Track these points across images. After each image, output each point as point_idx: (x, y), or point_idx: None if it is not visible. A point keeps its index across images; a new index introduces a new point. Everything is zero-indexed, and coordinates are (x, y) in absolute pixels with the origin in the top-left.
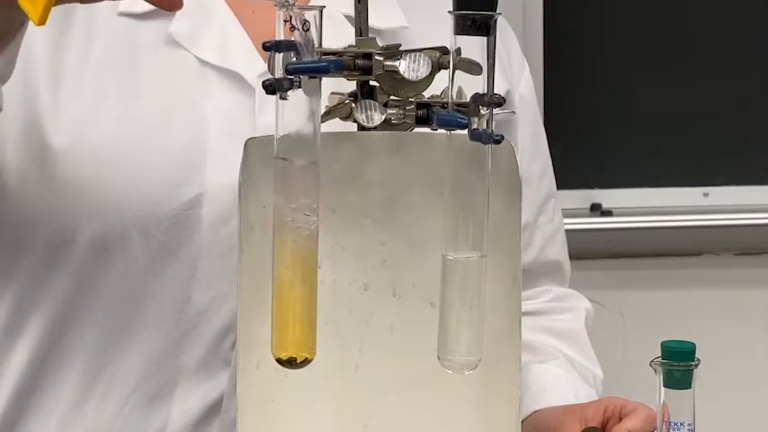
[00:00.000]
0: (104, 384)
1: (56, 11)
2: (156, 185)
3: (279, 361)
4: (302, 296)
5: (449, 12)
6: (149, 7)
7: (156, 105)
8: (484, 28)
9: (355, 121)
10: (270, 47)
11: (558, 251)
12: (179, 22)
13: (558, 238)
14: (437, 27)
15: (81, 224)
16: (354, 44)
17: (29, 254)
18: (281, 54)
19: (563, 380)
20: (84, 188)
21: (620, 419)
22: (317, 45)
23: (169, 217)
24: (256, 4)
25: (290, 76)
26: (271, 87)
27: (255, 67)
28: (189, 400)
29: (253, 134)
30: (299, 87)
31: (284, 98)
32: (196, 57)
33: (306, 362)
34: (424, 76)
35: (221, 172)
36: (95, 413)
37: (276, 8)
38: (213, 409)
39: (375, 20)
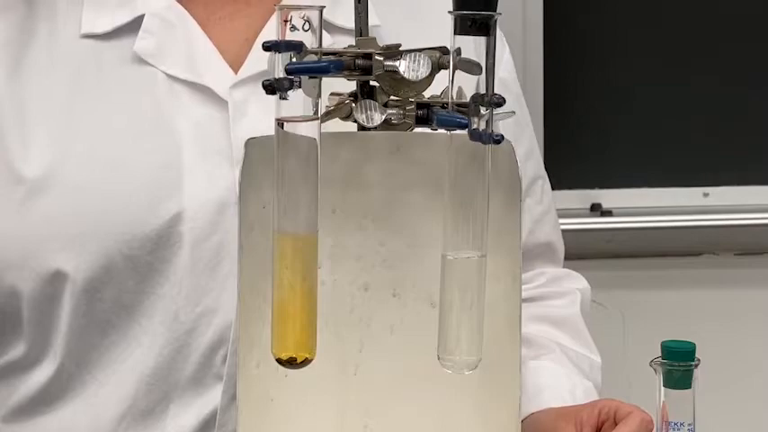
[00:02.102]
0: (99, 405)
1: (7, 46)
2: (134, 207)
3: (279, 361)
4: (302, 296)
5: (449, 12)
6: (111, 27)
7: (128, 125)
8: (484, 28)
9: (355, 121)
10: (270, 47)
11: (549, 232)
12: (143, 40)
13: (547, 219)
14: (409, 25)
15: (67, 257)
16: (354, 44)
17: (23, 295)
18: (281, 54)
19: (560, 377)
20: (63, 219)
21: (615, 423)
22: (316, 45)
23: (151, 237)
24: (221, 13)
25: (289, 77)
26: (270, 87)
27: (225, 80)
28: (183, 417)
29: (228, 147)
30: (299, 87)
31: (284, 98)
32: (164, 72)
33: (306, 362)
34: (424, 76)
35: (199, 188)
36: None
37: (276, 9)
38: (208, 425)
39: (347, 20)
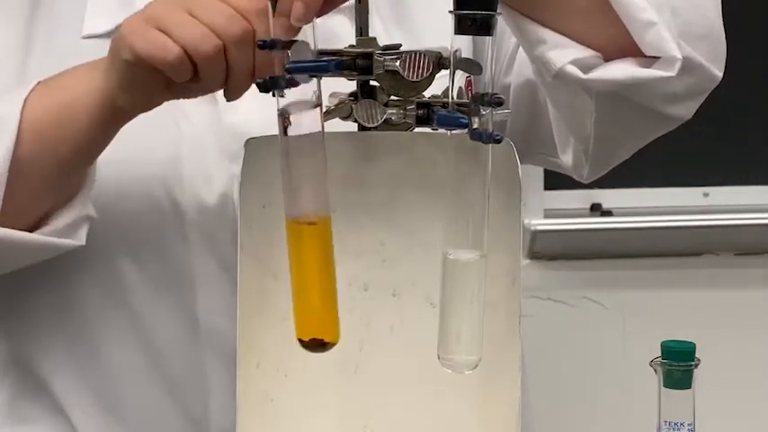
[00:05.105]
0: None
1: (11, 45)
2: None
3: (302, 343)
4: (322, 279)
5: (449, 11)
6: (113, 25)
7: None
8: (484, 28)
9: (355, 121)
10: (265, 46)
11: None
12: None
13: None
14: (396, 34)
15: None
16: (354, 44)
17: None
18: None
19: None
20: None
21: None
22: (313, 45)
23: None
24: None
25: (287, 75)
26: (264, 86)
27: None
28: None
29: (220, 141)
30: (297, 86)
31: (281, 96)
32: None
33: (330, 345)
34: (425, 76)
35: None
36: None
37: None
38: None
39: None
